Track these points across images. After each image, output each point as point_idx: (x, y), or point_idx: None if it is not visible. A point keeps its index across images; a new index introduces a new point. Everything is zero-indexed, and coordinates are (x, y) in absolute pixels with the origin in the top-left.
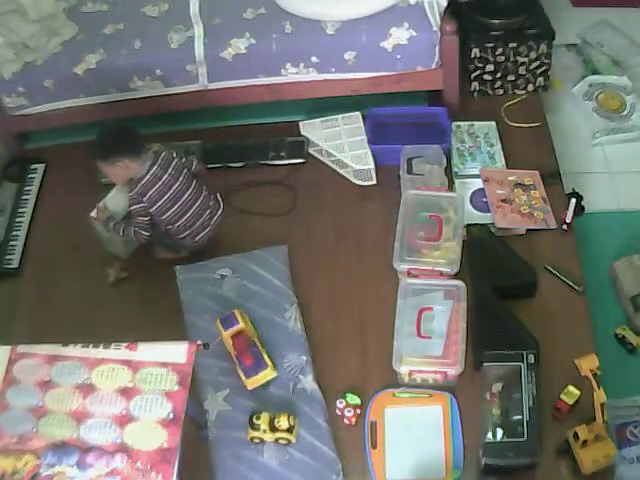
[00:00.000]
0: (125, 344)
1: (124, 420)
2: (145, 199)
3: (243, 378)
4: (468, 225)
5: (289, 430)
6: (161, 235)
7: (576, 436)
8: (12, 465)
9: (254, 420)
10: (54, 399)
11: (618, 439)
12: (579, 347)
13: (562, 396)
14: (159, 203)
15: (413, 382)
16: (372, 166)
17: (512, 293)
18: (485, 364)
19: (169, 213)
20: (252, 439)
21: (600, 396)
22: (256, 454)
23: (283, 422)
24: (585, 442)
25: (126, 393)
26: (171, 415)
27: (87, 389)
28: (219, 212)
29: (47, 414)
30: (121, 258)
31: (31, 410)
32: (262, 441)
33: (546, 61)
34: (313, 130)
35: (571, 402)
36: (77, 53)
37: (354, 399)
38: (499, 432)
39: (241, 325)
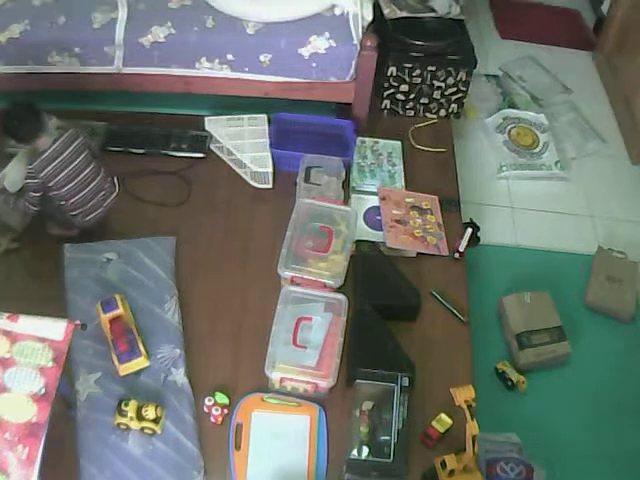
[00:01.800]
0: (7, 314)
1: None
2: (41, 175)
3: (116, 363)
4: (358, 241)
5: (155, 421)
6: (53, 210)
7: (444, 464)
8: None
9: (122, 406)
10: None
11: (488, 473)
12: (456, 377)
13: (433, 423)
14: (56, 179)
15: (283, 389)
16: (270, 170)
17: (394, 314)
18: (358, 381)
19: (64, 189)
20: (118, 425)
21: (472, 427)
22: (121, 440)
23: (150, 412)
24: (452, 472)
25: (2, 363)
26: (43, 390)
27: None
28: (113, 195)
29: None
30: (14, 229)
31: None
32: (128, 428)
33: (463, 89)
34: (217, 126)
35: (442, 430)
36: (3, 21)
37: (223, 398)
38: (365, 450)
39: (120, 310)
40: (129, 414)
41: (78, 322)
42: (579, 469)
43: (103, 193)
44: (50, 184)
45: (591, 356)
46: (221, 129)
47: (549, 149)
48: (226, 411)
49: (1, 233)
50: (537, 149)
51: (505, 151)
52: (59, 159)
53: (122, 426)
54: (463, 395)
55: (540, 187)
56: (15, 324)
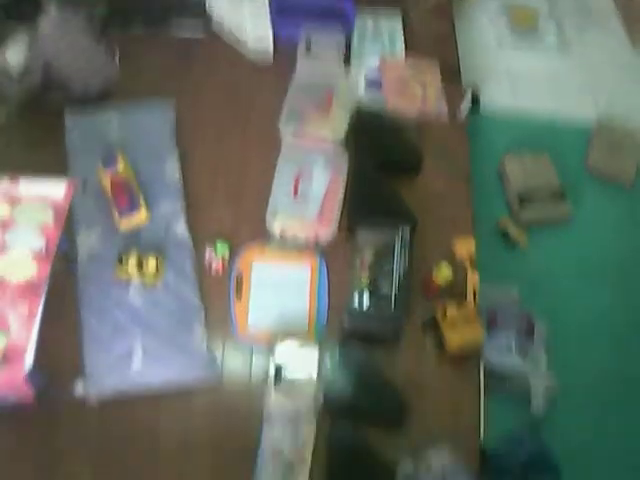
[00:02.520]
0: (7, 177)
1: None
2: (42, 56)
3: (117, 218)
4: (358, 105)
5: (156, 272)
6: (54, 86)
7: (444, 312)
8: None
9: (123, 259)
10: None
11: (488, 325)
12: (458, 231)
13: (434, 273)
14: (58, 60)
15: (284, 240)
16: (270, 41)
17: (396, 169)
18: (359, 230)
19: (66, 70)
20: (119, 277)
21: (473, 278)
22: (122, 292)
23: (151, 264)
24: (453, 322)
25: (3, 224)
26: (43, 249)
27: None
28: (113, 74)
29: None
30: (12, 100)
31: None
32: (129, 280)
33: None
34: (217, 2)
35: (442, 281)
36: None
37: (223, 249)
38: (365, 299)
39: (121, 167)
40: (130, 267)
41: (79, 180)
42: (579, 325)
43: (104, 73)
44: (52, 65)
45: (592, 219)
46: (221, 4)
47: (549, 30)
48: (227, 262)
49: (1, 103)
50: (537, 30)
51: (505, 32)
52: (60, 40)
53: (123, 278)
54: (464, 246)
55: (541, 64)
56: (16, 186)
